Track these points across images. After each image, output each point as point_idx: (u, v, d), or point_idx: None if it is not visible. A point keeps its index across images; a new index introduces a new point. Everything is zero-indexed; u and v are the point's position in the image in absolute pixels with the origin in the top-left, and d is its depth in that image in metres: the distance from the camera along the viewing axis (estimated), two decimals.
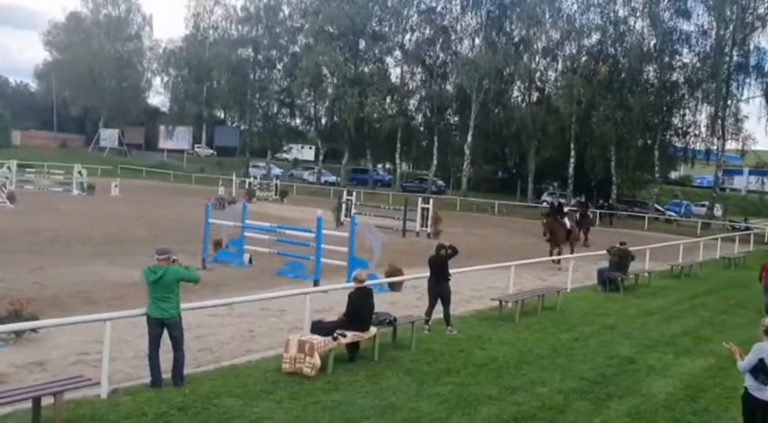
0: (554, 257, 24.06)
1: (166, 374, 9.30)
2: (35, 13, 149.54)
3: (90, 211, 33.66)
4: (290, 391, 9.36)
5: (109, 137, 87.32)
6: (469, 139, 61.40)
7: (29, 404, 7.77)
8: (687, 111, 58.60)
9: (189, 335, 9.74)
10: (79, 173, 45.62)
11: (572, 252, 25.01)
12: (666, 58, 56.85)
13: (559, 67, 63.08)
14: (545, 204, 57.57)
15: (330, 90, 68.14)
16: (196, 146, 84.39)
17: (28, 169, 49.60)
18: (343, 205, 34.84)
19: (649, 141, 57.62)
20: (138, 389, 9.08)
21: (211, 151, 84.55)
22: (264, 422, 8.33)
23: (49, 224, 27.14)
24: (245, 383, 9.58)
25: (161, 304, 9.15)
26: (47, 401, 7.80)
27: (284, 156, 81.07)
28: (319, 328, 10.77)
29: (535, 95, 65.26)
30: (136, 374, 9.71)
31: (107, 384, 8.78)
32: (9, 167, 44.08)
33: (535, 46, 61.86)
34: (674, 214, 54.70)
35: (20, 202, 34.09)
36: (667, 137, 58.69)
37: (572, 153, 57.39)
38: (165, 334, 9.29)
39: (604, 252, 21.89)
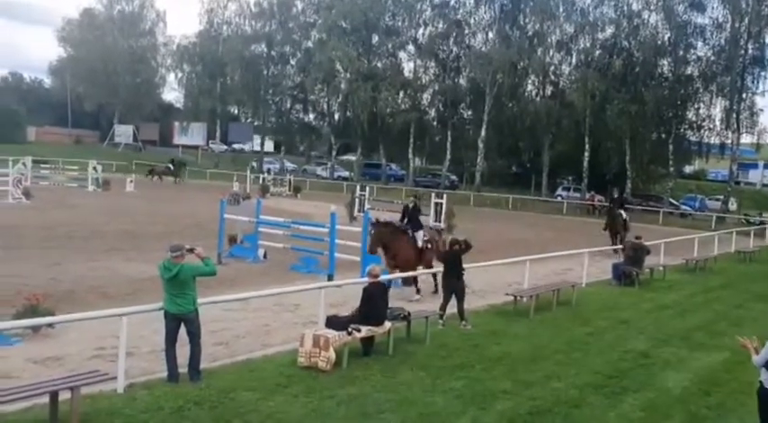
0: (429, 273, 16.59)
1: (183, 369, 9.35)
2: (47, 10, 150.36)
3: (105, 206, 33.80)
4: (305, 386, 9.39)
5: (123, 133, 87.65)
6: (483, 133, 61.22)
7: (46, 399, 7.82)
8: (702, 104, 58.35)
9: (204, 329, 9.77)
10: (94, 169, 45.81)
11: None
12: (681, 52, 56.48)
13: (573, 60, 62.95)
14: (559, 199, 57.60)
15: (343, 85, 68.22)
16: (210, 142, 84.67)
17: (43, 165, 49.83)
18: (357, 200, 34.84)
19: (664, 135, 57.36)
20: (155, 383, 9.14)
21: (225, 147, 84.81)
22: (280, 416, 8.36)
23: (65, 220, 27.29)
24: (260, 378, 9.62)
25: (177, 300, 9.18)
26: (64, 396, 7.85)
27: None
28: (334, 322, 10.80)
29: (549, 89, 64.99)
30: (152, 369, 9.77)
31: (124, 379, 8.85)
32: (24, 164, 44.27)
33: (549, 40, 61.65)
34: (688, 208, 54.42)
35: (35, 198, 34.30)
36: (682, 131, 58.31)
37: (586, 147, 57.19)
38: (182, 329, 9.33)
39: (619, 247, 21.81)
